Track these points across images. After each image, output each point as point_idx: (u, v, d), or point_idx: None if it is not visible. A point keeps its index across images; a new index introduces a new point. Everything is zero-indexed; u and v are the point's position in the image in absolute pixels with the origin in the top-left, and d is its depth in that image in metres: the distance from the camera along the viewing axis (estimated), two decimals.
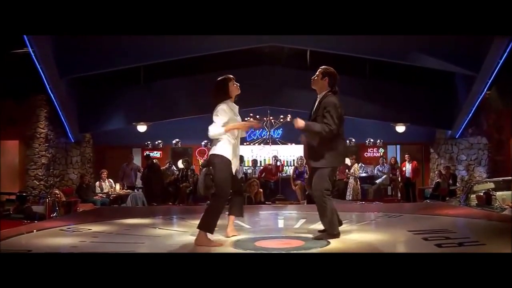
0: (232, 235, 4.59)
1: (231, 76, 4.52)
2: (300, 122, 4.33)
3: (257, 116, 12.76)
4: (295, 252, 3.89)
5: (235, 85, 4.49)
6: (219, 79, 4.51)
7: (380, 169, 13.47)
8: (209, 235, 4.24)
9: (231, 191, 4.46)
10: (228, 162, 4.31)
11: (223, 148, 4.32)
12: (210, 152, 4.46)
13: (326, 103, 4.37)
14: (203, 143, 14.08)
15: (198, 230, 4.24)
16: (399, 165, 13.98)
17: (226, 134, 4.31)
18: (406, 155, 13.88)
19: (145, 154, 14.02)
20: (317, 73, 4.55)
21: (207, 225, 4.20)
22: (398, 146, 15.77)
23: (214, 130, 4.30)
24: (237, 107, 4.52)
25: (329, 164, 4.41)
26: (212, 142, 4.45)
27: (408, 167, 13.49)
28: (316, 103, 4.51)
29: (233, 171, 4.46)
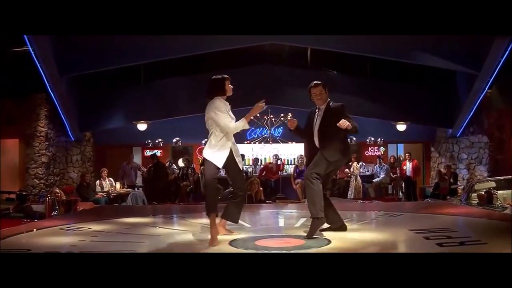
0: (223, 234, 4.58)
1: (228, 76, 4.63)
2: (345, 124, 4.40)
3: (258, 115, 12.75)
4: (295, 252, 3.87)
5: (230, 86, 4.60)
6: (216, 76, 4.61)
7: (378, 169, 13.46)
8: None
9: (231, 189, 4.54)
10: (214, 165, 4.44)
11: (211, 151, 4.45)
12: (204, 155, 4.52)
13: (339, 110, 4.58)
14: (203, 142, 14.03)
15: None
16: (400, 163, 13.95)
17: (218, 134, 4.45)
18: (406, 154, 13.86)
19: (151, 153, 13.99)
20: (320, 91, 4.68)
21: (206, 208, 4.44)
22: (401, 145, 15.75)
23: (236, 125, 4.44)
24: (229, 105, 4.61)
25: (336, 157, 4.58)
26: (208, 141, 4.53)
27: (408, 166, 13.46)
28: (322, 113, 4.67)
29: (240, 167, 4.62)
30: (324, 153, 4.57)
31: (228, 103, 4.59)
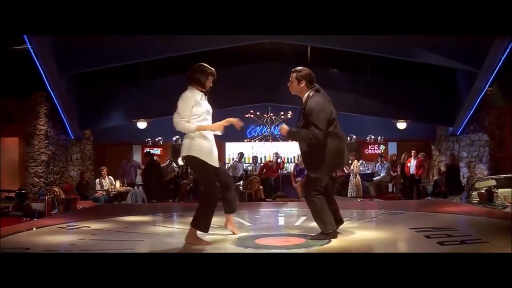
0: (233, 232, 4.59)
1: (212, 70, 4.35)
2: (283, 129, 4.24)
3: (258, 113, 12.74)
4: (295, 251, 3.86)
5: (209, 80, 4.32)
6: (203, 66, 4.35)
7: (380, 167, 13.43)
8: (199, 234, 4.21)
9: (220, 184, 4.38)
10: (203, 162, 4.15)
11: (196, 147, 4.15)
12: (182, 153, 4.25)
13: (308, 107, 4.16)
14: None
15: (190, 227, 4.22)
16: (405, 161, 13.89)
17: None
18: (412, 151, 13.76)
19: (145, 151, 14.00)
20: (291, 78, 4.32)
21: (199, 224, 4.16)
22: (397, 144, 15.72)
23: (183, 125, 4.12)
24: (202, 94, 4.28)
25: (324, 174, 4.23)
26: (184, 138, 4.26)
27: (413, 163, 13.40)
28: (302, 108, 4.30)
29: (216, 165, 4.30)
30: (307, 169, 4.25)
31: (202, 94, 4.27)
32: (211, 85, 4.36)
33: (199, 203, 4.32)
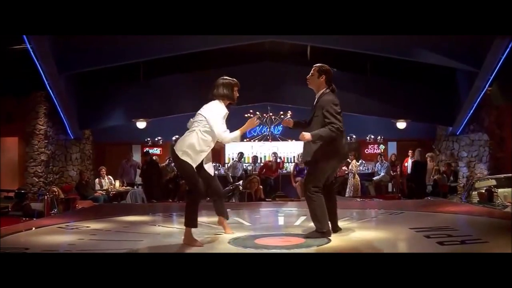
0: (229, 233, 4.60)
1: (236, 81, 4.45)
2: (306, 135, 4.18)
3: (257, 112, 12.73)
4: (295, 251, 3.85)
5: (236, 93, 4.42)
6: (226, 79, 4.39)
7: (379, 167, 13.42)
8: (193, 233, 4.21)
9: (231, 187, 4.48)
10: (187, 164, 4.08)
11: (188, 149, 4.11)
12: (175, 147, 4.20)
13: (323, 102, 4.28)
14: None
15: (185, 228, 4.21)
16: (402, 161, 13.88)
17: (203, 135, 4.18)
18: (410, 151, 13.75)
19: (144, 150, 13.99)
20: (312, 71, 4.42)
21: (189, 221, 4.14)
22: (395, 143, 15.71)
23: (230, 135, 4.17)
24: (226, 112, 4.36)
25: (325, 160, 4.28)
26: (184, 135, 4.26)
27: (409, 163, 13.37)
28: (314, 103, 4.40)
29: (211, 172, 4.40)
30: (315, 161, 4.28)
31: (227, 112, 4.32)
32: (238, 94, 4.43)
33: (186, 201, 4.38)
